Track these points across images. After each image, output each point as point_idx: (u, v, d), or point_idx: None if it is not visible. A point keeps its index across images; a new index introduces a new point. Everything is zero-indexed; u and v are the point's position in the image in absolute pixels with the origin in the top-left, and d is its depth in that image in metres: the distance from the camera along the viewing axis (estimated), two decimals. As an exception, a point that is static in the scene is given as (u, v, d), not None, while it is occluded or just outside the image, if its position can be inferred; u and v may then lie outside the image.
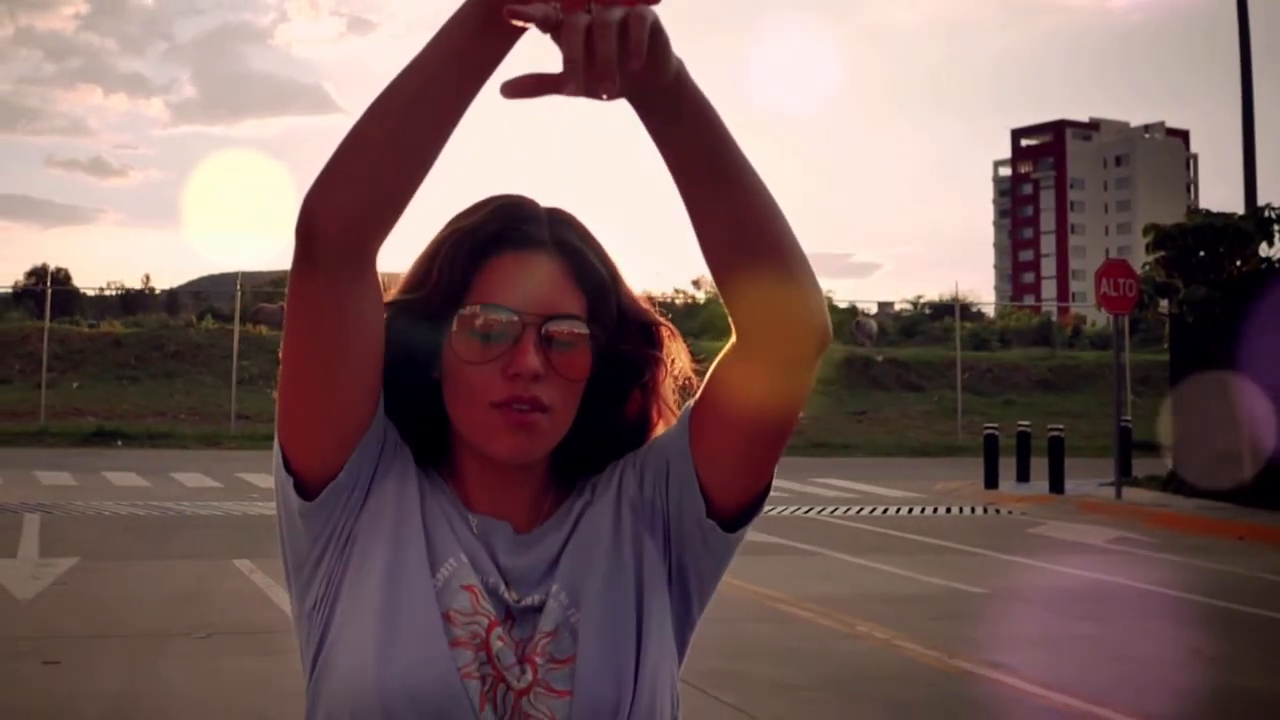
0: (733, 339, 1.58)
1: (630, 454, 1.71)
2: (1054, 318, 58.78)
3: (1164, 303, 23.98)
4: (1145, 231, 24.59)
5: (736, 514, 1.65)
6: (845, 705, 7.58)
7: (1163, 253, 23.31)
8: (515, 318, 1.59)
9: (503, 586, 1.60)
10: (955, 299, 44.80)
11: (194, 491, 18.81)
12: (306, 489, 1.58)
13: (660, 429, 1.73)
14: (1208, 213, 24.66)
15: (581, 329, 1.62)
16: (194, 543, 13.40)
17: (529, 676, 1.54)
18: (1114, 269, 21.83)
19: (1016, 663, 8.63)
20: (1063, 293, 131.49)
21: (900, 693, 7.85)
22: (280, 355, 1.57)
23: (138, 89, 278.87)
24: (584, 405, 1.65)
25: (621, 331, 1.69)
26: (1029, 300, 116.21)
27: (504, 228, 1.64)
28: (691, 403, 1.65)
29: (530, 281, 1.62)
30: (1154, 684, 8.22)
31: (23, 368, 35.47)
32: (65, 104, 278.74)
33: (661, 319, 1.74)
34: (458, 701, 1.51)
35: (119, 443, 28.42)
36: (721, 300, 1.55)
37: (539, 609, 1.59)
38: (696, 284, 55.45)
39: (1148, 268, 24.20)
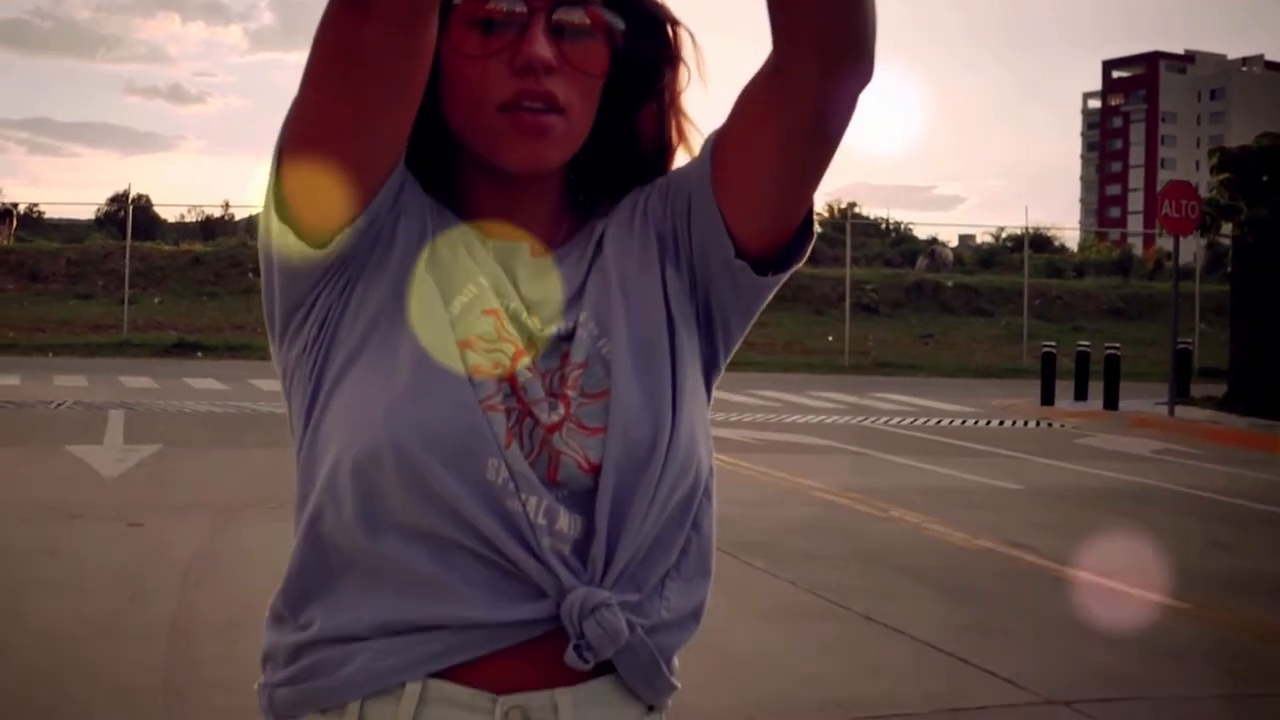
0: (767, 65, 1.40)
1: (654, 181, 1.55)
2: (1136, 251, 58.27)
3: (1227, 225, 24.11)
4: (1211, 154, 24.67)
5: (769, 256, 1.48)
6: (864, 570, 8.09)
7: (1227, 175, 23.42)
8: (521, 4, 1.42)
9: (524, 313, 1.45)
10: (1025, 226, 44.77)
11: (270, 395, 19.47)
12: (310, 236, 1.39)
13: (681, 150, 1.58)
14: (1275, 135, 24.68)
15: (596, 15, 1.46)
16: (269, 435, 14.02)
17: (560, 411, 1.40)
18: (1176, 190, 21.94)
19: (1037, 544, 9.10)
20: (1149, 227, 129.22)
21: (919, 563, 8.36)
22: (300, 97, 1.36)
23: (216, 16, 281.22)
24: (598, 114, 1.49)
25: (635, 28, 1.51)
26: (1115, 236, 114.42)
27: None
28: (714, 133, 1.49)
29: None
30: (1168, 565, 8.61)
31: (106, 284, 36.37)
32: (144, 32, 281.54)
33: (681, 21, 1.56)
34: (479, 436, 1.36)
35: (199, 354, 29.25)
36: (770, 18, 1.38)
37: (566, 337, 1.45)
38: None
39: (1213, 191, 24.30)
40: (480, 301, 1.43)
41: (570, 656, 1.36)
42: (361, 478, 1.36)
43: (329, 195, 1.37)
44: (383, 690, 1.37)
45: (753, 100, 1.42)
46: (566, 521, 1.38)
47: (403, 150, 1.41)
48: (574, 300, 1.48)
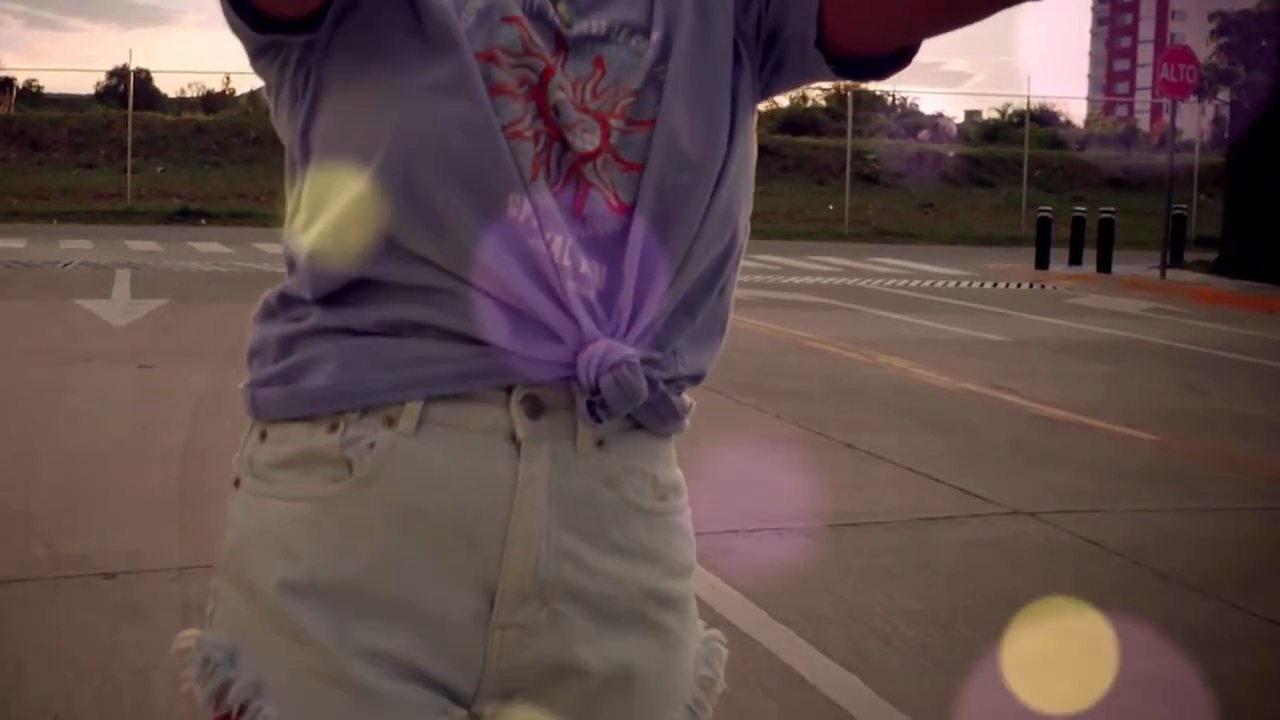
0: None
1: None
2: (1142, 125, 57.97)
3: (1225, 91, 24.21)
4: (1211, 18, 24.70)
5: (851, 58, 1.30)
6: (847, 405, 8.42)
7: (1225, 39, 23.48)
8: None
9: (550, 7, 1.25)
10: (1027, 94, 44.64)
11: (274, 257, 19.69)
12: (294, 27, 1.22)
13: None
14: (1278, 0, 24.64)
15: None
16: (273, 292, 14.34)
17: (597, 139, 1.23)
18: (1176, 55, 21.98)
19: (1020, 387, 9.41)
20: (1155, 105, 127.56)
21: (899, 401, 8.69)
22: None
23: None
24: None
25: None
26: (1122, 112, 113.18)
27: None
28: None
29: None
30: (1143, 405, 8.96)
31: (109, 153, 36.38)
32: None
33: None
34: (502, 167, 1.19)
35: (203, 220, 29.42)
36: None
37: (600, 39, 1.25)
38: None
39: (1211, 56, 24.35)
40: (498, 8, 1.22)
41: (582, 411, 1.22)
42: (367, 207, 1.19)
43: None
44: (383, 403, 1.23)
45: None
46: (589, 267, 1.22)
47: None
48: None
